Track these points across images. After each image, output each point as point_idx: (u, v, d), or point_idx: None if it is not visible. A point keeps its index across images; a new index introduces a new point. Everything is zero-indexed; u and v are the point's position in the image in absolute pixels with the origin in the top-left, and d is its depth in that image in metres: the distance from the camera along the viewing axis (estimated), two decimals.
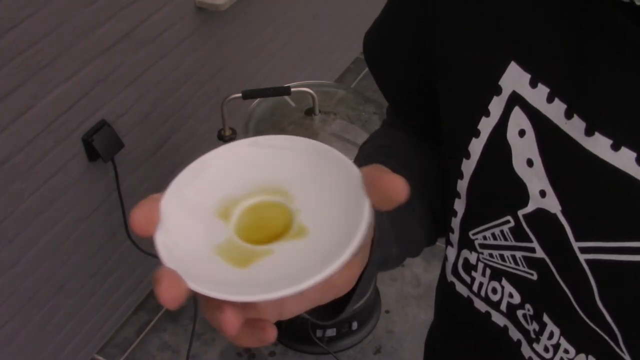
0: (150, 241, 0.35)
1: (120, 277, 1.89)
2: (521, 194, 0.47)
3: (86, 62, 1.51)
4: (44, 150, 1.49)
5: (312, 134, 1.59)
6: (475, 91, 0.49)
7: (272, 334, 0.35)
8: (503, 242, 0.51)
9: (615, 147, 0.41)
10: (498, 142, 0.48)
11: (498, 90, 0.47)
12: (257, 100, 1.70)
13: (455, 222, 0.56)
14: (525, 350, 0.54)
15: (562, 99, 0.44)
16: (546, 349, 0.51)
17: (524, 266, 0.51)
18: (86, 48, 1.50)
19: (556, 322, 0.50)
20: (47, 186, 1.53)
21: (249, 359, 1.89)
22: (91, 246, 1.74)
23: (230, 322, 0.33)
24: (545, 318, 0.51)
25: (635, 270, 0.42)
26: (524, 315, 0.53)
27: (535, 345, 0.53)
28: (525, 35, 0.46)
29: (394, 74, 0.62)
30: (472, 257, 0.56)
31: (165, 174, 1.90)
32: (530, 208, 0.47)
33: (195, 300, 1.73)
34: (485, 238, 0.53)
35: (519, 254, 0.51)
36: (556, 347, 0.50)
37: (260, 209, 0.38)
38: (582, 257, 0.45)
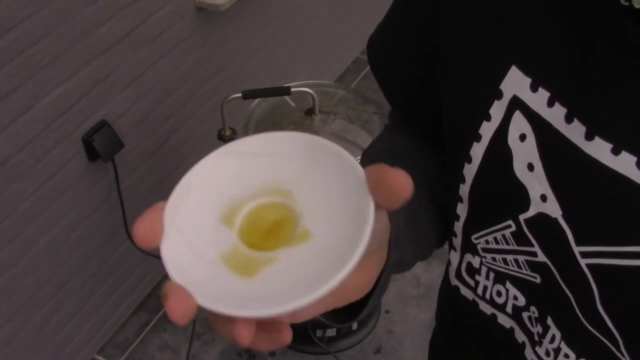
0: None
1: (120, 277, 1.89)
2: (522, 199, 0.47)
3: (86, 62, 1.51)
4: (44, 150, 1.49)
5: (312, 134, 1.59)
6: (476, 95, 0.49)
7: (288, 335, 0.34)
8: (505, 247, 0.51)
9: (616, 151, 0.41)
10: (499, 146, 0.48)
11: (499, 95, 0.47)
12: (257, 100, 1.69)
13: (458, 226, 0.55)
14: (528, 352, 0.54)
15: (563, 103, 0.44)
16: (547, 353, 0.51)
17: (527, 270, 0.51)
18: (86, 48, 1.50)
19: (558, 326, 0.50)
20: (47, 186, 1.53)
21: (249, 359, 1.89)
22: (91, 246, 1.74)
23: (244, 335, 0.32)
24: (549, 321, 0.50)
25: (636, 274, 0.42)
26: (529, 318, 0.53)
27: (537, 348, 0.53)
28: (526, 35, 0.45)
29: (397, 79, 0.62)
30: (475, 261, 0.56)
31: (165, 174, 1.90)
32: (531, 212, 0.47)
33: None
34: (487, 242, 0.53)
35: (521, 258, 0.51)
36: (557, 351, 0.50)
37: (262, 211, 0.37)
38: (583, 262, 0.45)
